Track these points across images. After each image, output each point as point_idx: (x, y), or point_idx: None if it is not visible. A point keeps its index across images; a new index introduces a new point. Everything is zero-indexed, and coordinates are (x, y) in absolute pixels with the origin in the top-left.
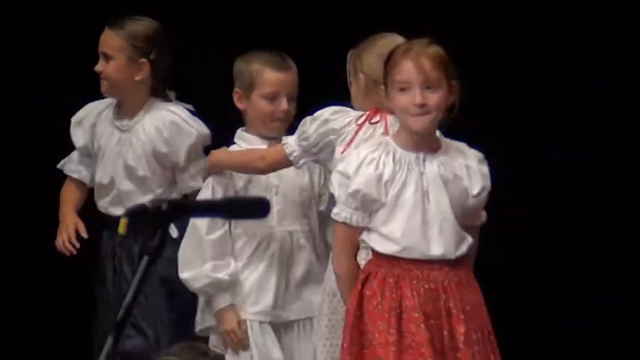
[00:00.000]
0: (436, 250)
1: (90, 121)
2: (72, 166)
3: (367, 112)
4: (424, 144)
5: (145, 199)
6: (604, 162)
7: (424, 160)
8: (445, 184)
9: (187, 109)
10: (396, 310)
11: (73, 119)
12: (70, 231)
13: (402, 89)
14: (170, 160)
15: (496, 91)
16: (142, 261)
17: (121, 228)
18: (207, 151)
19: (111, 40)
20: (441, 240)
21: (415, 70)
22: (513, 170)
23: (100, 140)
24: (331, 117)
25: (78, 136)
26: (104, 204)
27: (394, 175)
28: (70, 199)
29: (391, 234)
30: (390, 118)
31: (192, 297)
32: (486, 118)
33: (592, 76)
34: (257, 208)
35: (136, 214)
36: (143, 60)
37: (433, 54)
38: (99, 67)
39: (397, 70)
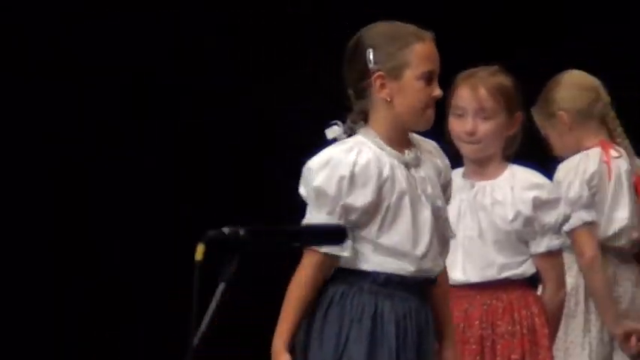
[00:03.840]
0: None
1: (377, 168)
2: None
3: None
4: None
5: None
6: None
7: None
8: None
9: None
10: None
11: (345, 171)
12: None
13: (459, 115)
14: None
15: None
16: (218, 288)
17: (198, 254)
18: None
19: None
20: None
21: (470, 98)
22: None
23: (399, 185)
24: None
25: (358, 192)
26: (428, 263)
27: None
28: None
29: None
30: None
31: None
32: None
33: None
34: (333, 236)
35: (214, 241)
36: None
37: (493, 84)
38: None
39: (455, 95)
